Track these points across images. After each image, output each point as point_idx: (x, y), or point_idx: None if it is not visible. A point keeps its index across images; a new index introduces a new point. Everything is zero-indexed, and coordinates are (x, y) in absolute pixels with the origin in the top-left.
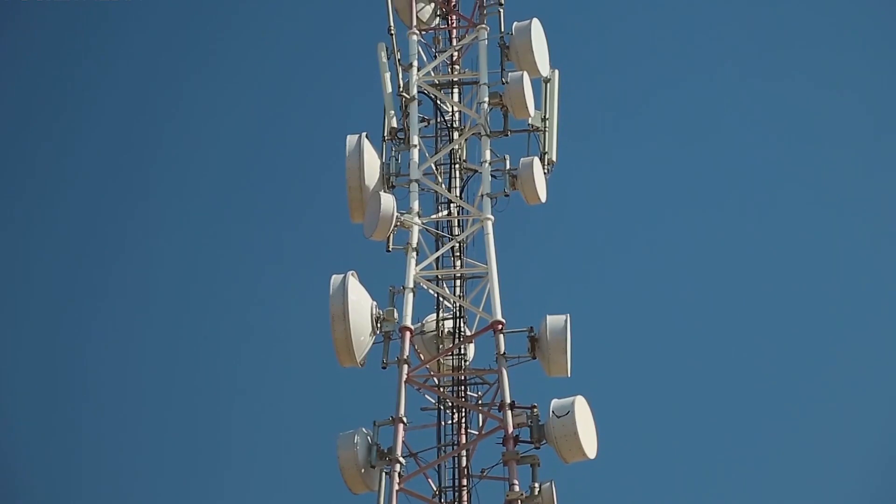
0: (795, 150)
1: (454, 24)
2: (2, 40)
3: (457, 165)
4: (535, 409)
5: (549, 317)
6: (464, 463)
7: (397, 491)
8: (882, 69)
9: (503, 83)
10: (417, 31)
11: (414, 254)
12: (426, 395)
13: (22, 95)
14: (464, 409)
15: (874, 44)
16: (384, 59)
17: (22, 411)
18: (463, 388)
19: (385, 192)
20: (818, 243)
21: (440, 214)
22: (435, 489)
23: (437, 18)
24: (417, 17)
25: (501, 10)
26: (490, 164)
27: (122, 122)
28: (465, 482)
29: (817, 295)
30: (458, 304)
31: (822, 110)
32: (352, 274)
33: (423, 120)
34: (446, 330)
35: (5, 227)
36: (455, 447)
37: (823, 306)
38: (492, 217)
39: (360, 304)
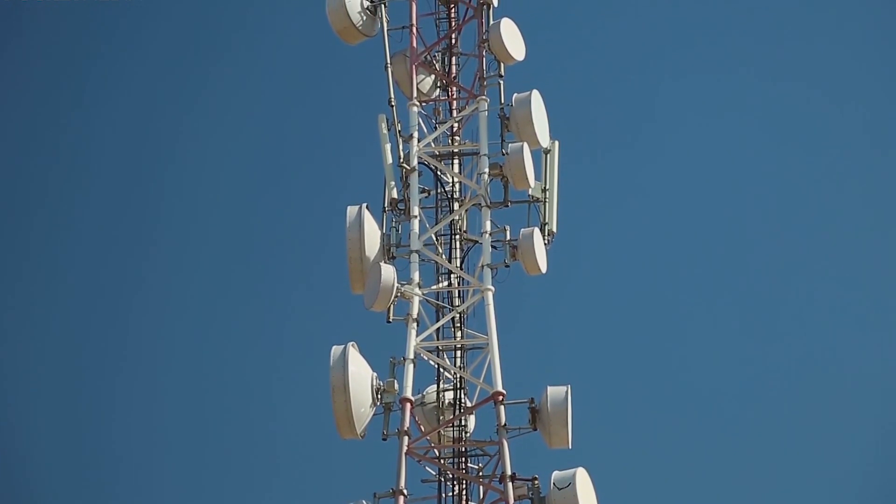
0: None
1: (454, 96)
2: (3, 40)
3: (457, 236)
4: (537, 481)
5: (549, 388)
6: None
7: None
8: (882, 74)
9: (503, 154)
10: (418, 103)
11: (414, 325)
12: (427, 467)
13: (23, 100)
14: (465, 481)
15: (876, 48)
16: (385, 131)
17: (44, 423)
18: (464, 459)
19: (385, 262)
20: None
21: (440, 285)
22: None
23: (438, 90)
24: (418, 88)
25: (501, 82)
26: (490, 234)
27: (125, 153)
28: None
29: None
30: (458, 375)
31: (822, 115)
32: (352, 345)
33: (423, 191)
34: (447, 401)
35: (25, 234)
36: None
37: (823, 325)
38: (492, 288)
39: (361, 375)
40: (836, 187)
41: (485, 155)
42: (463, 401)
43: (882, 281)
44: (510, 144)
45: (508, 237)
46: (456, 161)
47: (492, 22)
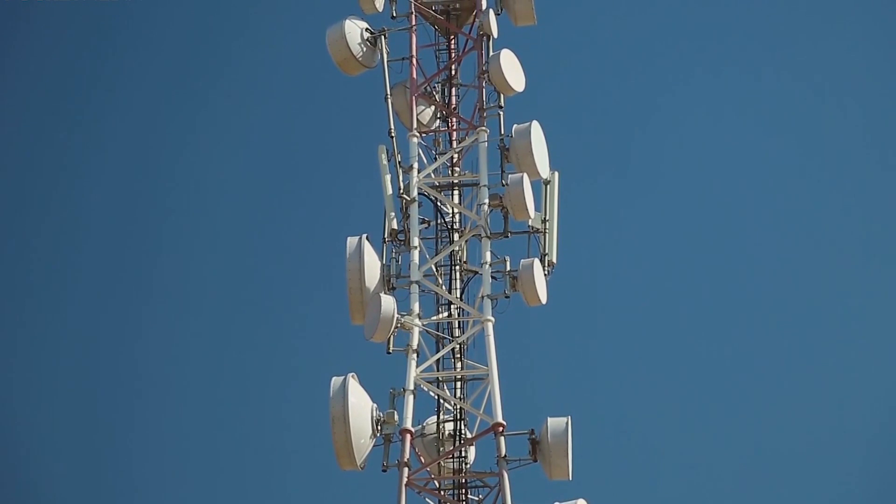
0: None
1: (454, 127)
2: (4, 42)
3: (457, 267)
4: None
5: (549, 419)
6: None
7: None
8: (883, 74)
9: (503, 185)
10: (418, 134)
11: (414, 355)
12: (427, 499)
13: (25, 103)
14: None
15: (877, 48)
16: (385, 162)
17: (52, 429)
18: (464, 491)
19: (385, 293)
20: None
21: (441, 316)
22: None
23: (438, 121)
24: (418, 119)
25: (501, 113)
26: (490, 265)
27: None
28: None
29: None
30: (458, 406)
31: (822, 116)
32: (352, 376)
33: (423, 221)
34: (447, 432)
35: (31, 240)
36: None
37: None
38: (492, 318)
39: (361, 406)
40: (836, 188)
41: (485, 186)
42: (463, 432)
43: (883, 281)
44: (510, 175)
45: (508, 268)
46: (456, 192)
47: (491, 53)
